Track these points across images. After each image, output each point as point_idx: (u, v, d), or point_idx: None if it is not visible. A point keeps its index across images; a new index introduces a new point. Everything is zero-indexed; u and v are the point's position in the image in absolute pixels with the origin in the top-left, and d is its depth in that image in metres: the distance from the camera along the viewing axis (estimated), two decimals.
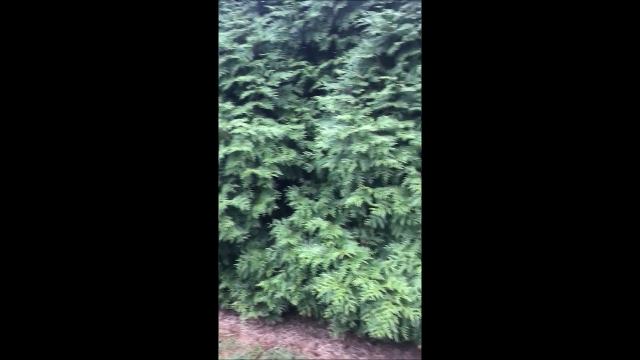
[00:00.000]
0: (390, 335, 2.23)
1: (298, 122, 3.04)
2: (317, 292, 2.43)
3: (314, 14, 3.09)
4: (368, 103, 2.62)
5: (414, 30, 2.50)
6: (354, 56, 2.83)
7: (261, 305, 2.92)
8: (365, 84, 2.70)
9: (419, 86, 2.47)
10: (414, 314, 2.19)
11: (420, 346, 2.42)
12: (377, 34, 2.69)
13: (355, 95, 2.70)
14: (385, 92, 2.54)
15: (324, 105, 2.80)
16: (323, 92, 2.91)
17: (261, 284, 2.81)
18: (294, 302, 2.69)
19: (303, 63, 3.21)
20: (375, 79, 2.68)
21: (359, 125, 2.45)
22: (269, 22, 3.37)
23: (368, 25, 2.71)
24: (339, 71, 2.89)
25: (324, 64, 3.14)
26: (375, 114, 2.59)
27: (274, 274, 2.84)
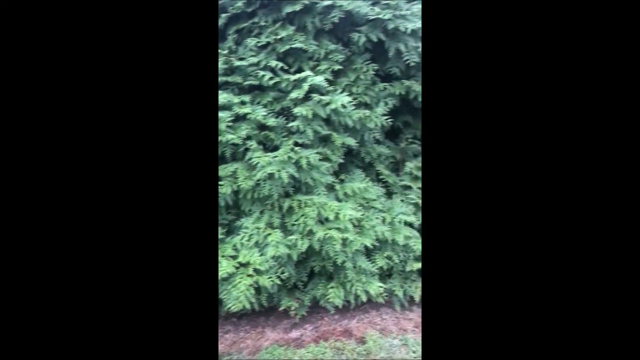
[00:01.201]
0: (249, 306, 2.30)
1: None
2: None
3: None
4: None
5: (239, 2, 2.47)
6: None
7: None
8: None
9: (252, 60, 2.48)
10: (269, 281, 2.29)
11: (281, 309, 2.57)
12: None
13: None
14: (219, 66, 2.47)
15: None
16: None
17: None
18: None
19: None
20: None
21: None
22: None
23: None
24: None
25: None
26: None
27: None
